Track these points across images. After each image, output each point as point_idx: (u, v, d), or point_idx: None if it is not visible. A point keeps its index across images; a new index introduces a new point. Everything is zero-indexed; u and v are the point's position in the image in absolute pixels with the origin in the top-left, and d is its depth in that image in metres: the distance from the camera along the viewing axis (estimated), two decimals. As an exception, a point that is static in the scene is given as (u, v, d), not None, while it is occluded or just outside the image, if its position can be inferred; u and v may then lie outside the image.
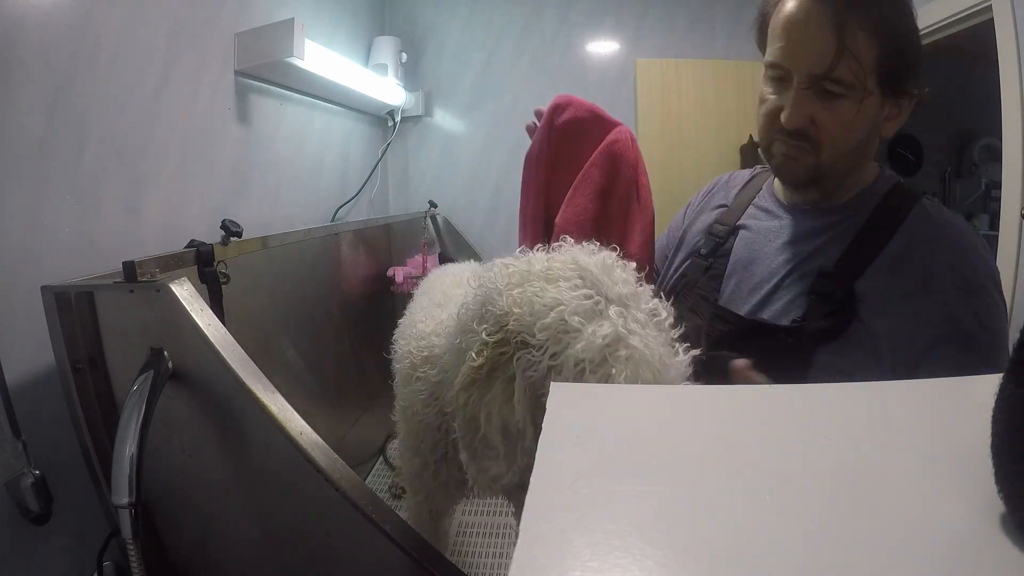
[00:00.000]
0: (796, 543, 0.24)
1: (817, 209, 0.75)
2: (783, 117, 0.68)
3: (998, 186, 1.64)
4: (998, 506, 0.25)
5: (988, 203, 3.32)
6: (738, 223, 0.82)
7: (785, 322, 0.70)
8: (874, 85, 0.65)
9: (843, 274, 0.68)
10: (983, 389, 0.27)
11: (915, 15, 0.66)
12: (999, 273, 0.69)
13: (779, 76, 0.69)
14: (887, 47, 0.63)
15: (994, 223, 2.54)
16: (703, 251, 0.83)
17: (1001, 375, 0.26)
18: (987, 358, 0.63)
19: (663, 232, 0.97)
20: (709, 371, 0.59)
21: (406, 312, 1.06)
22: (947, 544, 0.24)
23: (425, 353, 0.81)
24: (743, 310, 0.75)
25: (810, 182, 0.73)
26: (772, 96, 0.71)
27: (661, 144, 2.32)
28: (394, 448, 1.64)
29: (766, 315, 0.72)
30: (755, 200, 0.84)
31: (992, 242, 1.67)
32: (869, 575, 0.22)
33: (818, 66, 0.64)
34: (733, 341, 0.70)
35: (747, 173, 0.91)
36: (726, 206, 0.87)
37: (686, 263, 0.86)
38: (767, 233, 0.78)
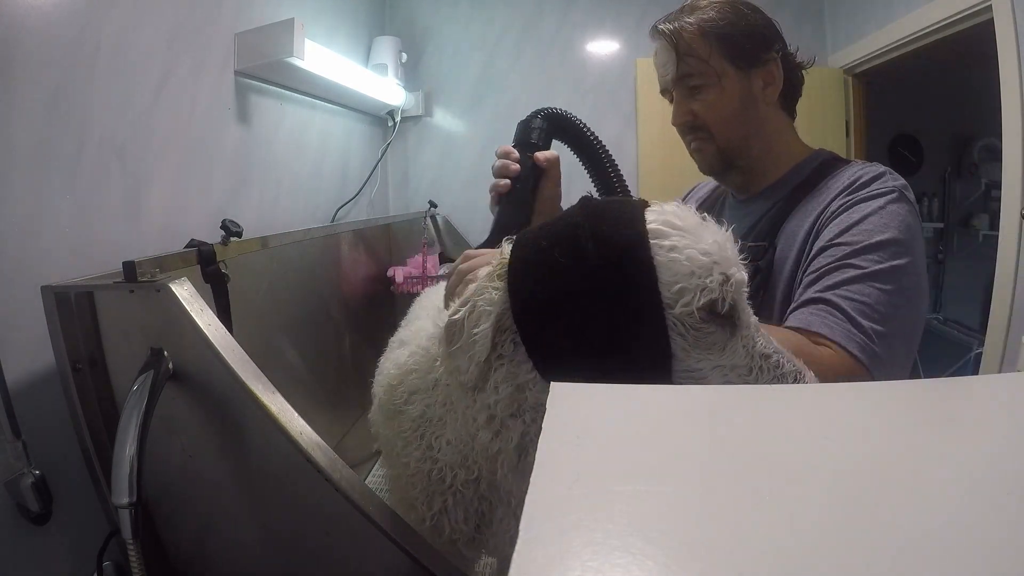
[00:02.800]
0: (797, 543, 0.24)
1: (756, 195, 0.85)
2: (672, 120, 0.84)
3: (998, 186, 1.64)
4: (1003, 504, 0.25)
5: (988, 203, 3.33)
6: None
7: None
8: (725, 66, 0.78)
9: (769, 230, 0.78)
10: (984, 389, 0.27)
11: (746, 5, 0.79)
12: (915, 226, 0.70)
13: (669, 99, 0.85)
14: (715, 35, 0.77)
15: (994, 223, 2.54)
16: None
17: (1000, 375, 0.26)
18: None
19: None
20: None
21: (394, 339, 0.93)
22: (949, 544, 0.24)
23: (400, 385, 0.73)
24: None
25: (723, 165, 0.84)
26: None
27: (661, 144, 2.32)
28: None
29: None
30: (716, 203, 0.95)
31: (992, 242, 1.67)
32: (871, 575, 0.22)
33: (675, 74, 0.80)
34: None
35: (712, 184, 0.99)
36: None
37: None
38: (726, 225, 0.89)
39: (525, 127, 0.81)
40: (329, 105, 1.92)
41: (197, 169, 1.26)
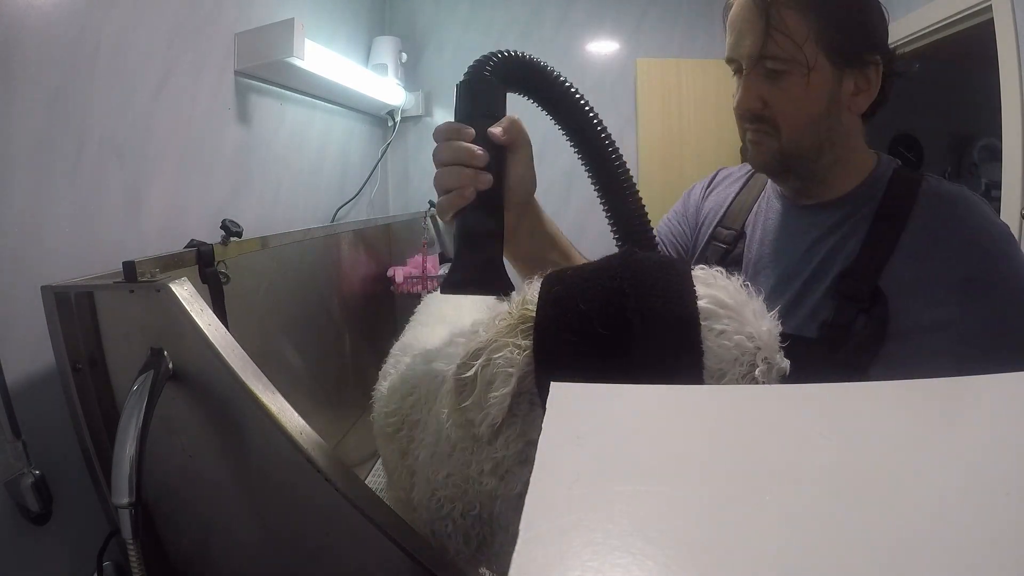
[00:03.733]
0: (798, 543, 0.24)
1: (821, 205, 0.74)
2: (734, 103, 0.71)
3: (998, 186, 1.64)
4: (1003, 505, 0.25)
5: (988, 203, 3.33)
6: (744, 227, 0.81)
7: (813, 331, 0.67)
8: (818, 57, 0.65)
9: (866, 270, 0.66)
10: (984, 389, 0.27)
11: None
12: (1008, 227, 0.69)
13: (736, 70, 0.72)
14: (822, 18, 0.64)
15: (994, 223, 2.54)
16: (711, 261, 0.79)
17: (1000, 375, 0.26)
18: None
19: (663, 219, 0.94)
20: None
21: (397, 345, 0.91)
22: (949, 544, 0.24)
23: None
24: None
25: (782, 167, 0.73)
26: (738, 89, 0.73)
27: (661, 144, 2.33)
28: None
29: (790, 327, 0.65)
30: (759, 200, 0.82)
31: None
32: (871, 575, 0.22)
33: (753, 49, 0.66)
34: None
35: (744, 170, 0.89)
36: (728, 208, 0.85)
37: None
38: (775, 236, 0.77)
39: (469, 90, 0.56)
40: (329, 105, 1.92)
41: (197, 169, 1.26)
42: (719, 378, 0.46)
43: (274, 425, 0.67)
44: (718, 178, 0.92)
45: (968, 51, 1.84)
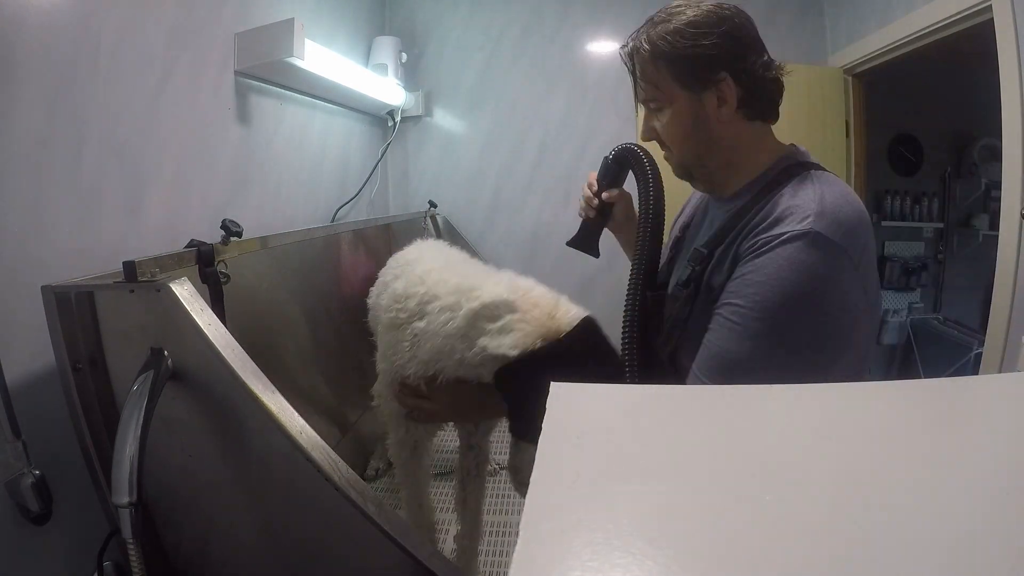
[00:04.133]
0: (797, 543, 0.24)
1: (723, 200, 0.87)
2: (639, 135, 0.90)
3: (998, 186, 1.64)
4: (1002, 503, 0.25)
5: (988, 203, 3.33)
6: (691, 219, 0.99)
7: (676, 290, 0.85)
8: (675, 91, 0.80)
9: (711, 242, 0.81)
10: (984, 389, 0.27)
11: (687, 24, 0.79)
12: (861, 216, 0.73)
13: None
14: (665, 62, 0.79)
15: (994, 223, 2.54)
16: (671, 250, 1.01)
17: (1000, 375, 0.26)
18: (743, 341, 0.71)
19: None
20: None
21: (384, 270, 1.32)
22: (949, 543, 0.24)
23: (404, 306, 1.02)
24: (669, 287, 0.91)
25: (685, 174, 0.88)
26: None
27: (661, 144, 2.33)
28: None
29: (670, 288, 0.89)
30: (706, 206, 0.97)
31: (992, 242, 1.67)
32: (871, 575, 0.22)
33: (637, 99, 0.87)
34: (660, 308, 0.88)
35: None
36: (690, 212, 1.02)
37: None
38: (694, 228, 0.96)
39: (603, 163, 0.98)
40: (329, 105, 1.92)
41: (197, 169, 1.26)
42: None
43: (274, 425, 0.67)
44: (688, 202, 1.07)
45: (968, 51, 1.84)
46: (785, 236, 0.69)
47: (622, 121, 2.43)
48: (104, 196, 1.01)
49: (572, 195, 2.54)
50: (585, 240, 1.02)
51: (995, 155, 2.56)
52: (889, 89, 2.90)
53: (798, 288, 0.68)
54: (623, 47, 0.87)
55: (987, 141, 3.20)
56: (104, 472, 0.80)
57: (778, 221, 0.72)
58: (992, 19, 1.57)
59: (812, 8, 2.44)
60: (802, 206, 0.71)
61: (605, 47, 2.47)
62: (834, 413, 0.38)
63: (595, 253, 1.02)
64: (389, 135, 2.39)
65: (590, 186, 1.00)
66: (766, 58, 0.81)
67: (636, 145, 0.93)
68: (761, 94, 0.81)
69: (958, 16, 1.70)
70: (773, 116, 0.84)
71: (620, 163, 0.96)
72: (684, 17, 0.79)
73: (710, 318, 0.76)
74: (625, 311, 0.85)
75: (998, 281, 1.59)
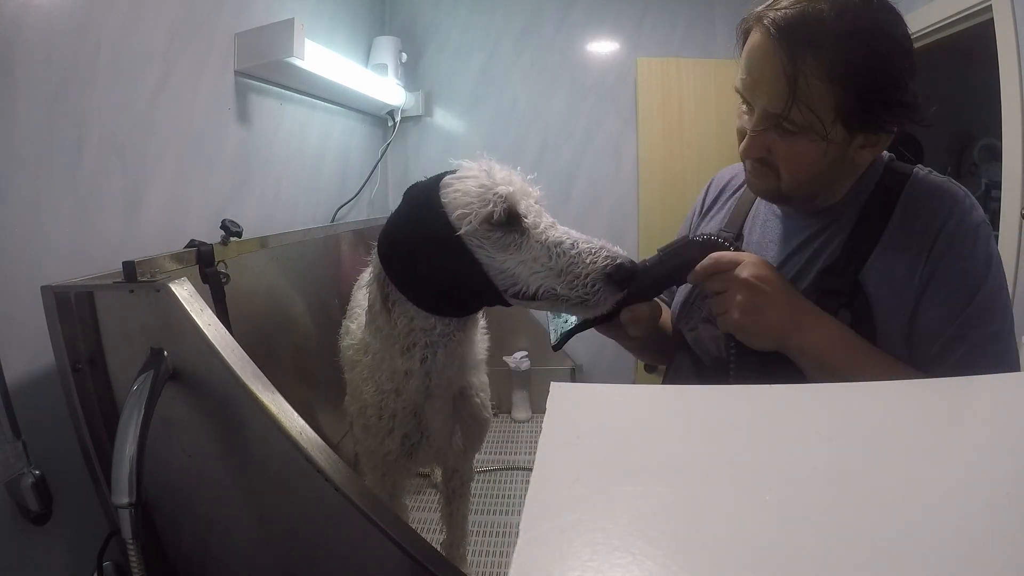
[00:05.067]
0: (797, 543, 0.24)
1: (812, 209, 0.76)
2: (740, 146, 0.71)
3: (998, 186, 1.64)
4: (1002, 503, 0.25)
5: (988, 203, 3.33)
6: (741, 230, 0.84)
7: None
8: (837, 127, 0.64)
9: (846, 266, 0.69)
10: (983, 389, 0.27)
11: (898, 47, 0.62)
12: (989, 225, 0.70)
13: (744, 100, 0.71)
14: (848, 92, 0.61)
15: (994, 223, 2.54)
16: None
17: (1001, 375, 0.26)
18: (1002, 328, 0.66)
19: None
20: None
21: (348, 308, 1.27)
22: (949, 542, 0.24)
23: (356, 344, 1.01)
24: None
25: (778, 200, 0.76)
26: (744, 115, 0.72)
27: (662, 143, 2.32)
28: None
29: None
30: (755, 204, 0.85)
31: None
32: (871, 575, 0.22)
33: (772, 107, 0.65)
34: (753, 352, 0.70)
35: (740, 174, 0.88)
36: (729, 210, 0.88)
37: None
38: (769, 238, 0.80)
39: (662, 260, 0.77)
40: (329, 105, 1.92)
41: (197, 169, 1.26)
42: (459, 218, 0.71)
43: (274, 425, 0.67)
44: (709, 197, 0.93)
45: (968, 51, 1.84)
46: (972, 239, 0.66)
47: (623, 121, 2.43)
48: (104, 196, 1.01)
49: (572, 195, 2.54)
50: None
51: (995, 155, 2.56)
52: (889, 89, 2.89)
53: (999, 275, 0.67)
54: (774, 28, 0.62)
55: (987, 141, 3.20)
56: (104, 472, 0.81)
57: (957, 238, 0.66)
58: (992, 19, 1.57)
59: (812, 8, 2.44)
60: (959, 206, 0.67)
61: (605, 47, 2.47)
62: (834, 413, 0.38)
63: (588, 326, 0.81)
64: (389, 135, 2.39)
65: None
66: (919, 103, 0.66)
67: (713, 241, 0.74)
68: (903, 133, 0.69)
69: (958, 16, 1.70)
70: None
71: (675, 268, 0.74)
72: (887, 34, 0.61)
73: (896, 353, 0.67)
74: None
75: (998, 281, 1.59)
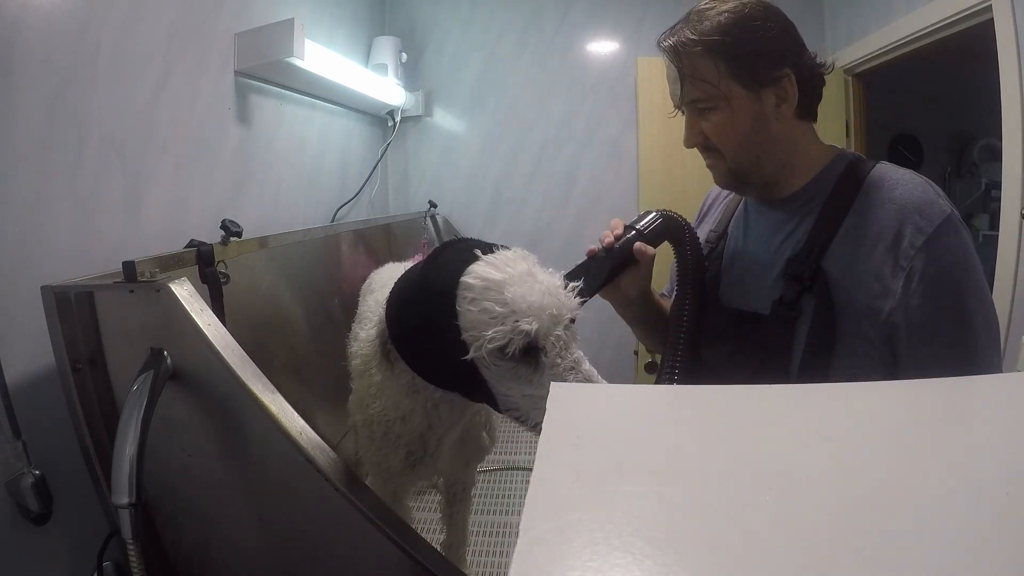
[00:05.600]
0: (797, 543, 0.24)
1: (780, 202, 0.82)
2: (683, 141, 0.82)
3: (998, 186, 1.64)
4: (1002, 503, 0.25)
5: (988, 203, 3.33)
6: (726, 229, 0.92)
7: (767, 308, 0.77)
8: (733, 88, 0.74)
9: (809, 254, 0.75)
10: (984, 389, 0.27)
11: (751, 9, 0.74)
12: (956, 210, 0.72)
13: (679, 108, 0.82)
14: (724, 57, 0.73)
15: (994, 223, 2.54)
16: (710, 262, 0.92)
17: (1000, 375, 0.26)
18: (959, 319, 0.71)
19: None
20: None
21: (357, 312, 1.20)
22: (949, 542, 0.24)
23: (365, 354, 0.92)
24: (734, 304, 0.83)
25: (737, 182, 0.83)
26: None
27: (661, 144, 2.32)
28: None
29: (751, 306, 0.81)
30: (740, 205, 0.92)
31: (992, 242, 1.67)
32: (871, 575, 0.22)
33: (685, 98, 0.78)
34: (729, 332, 0.81)
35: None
36: (719, 213, 0.96)
37: None
38: (745, 232, 0.88)
39: (645, 214, 0.85)
40: (329, 105, 1.92)
41: (197, 169, 1.26)
42: (471, 339, 0.63)
43: (274, 425, 0.67)
44: (706, 205, 1.02)
45: (968, 51, 1.84)
46: (937, 227, 0.69)
47: (623, 121, 2.44)
48: (104, 196, 1.01)
49: (572, 195, 2.55)
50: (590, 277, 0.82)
51: (995, 155, 2.56)
52: (889, 89, 2.90)
53: (974, 272, 0.72)
54: (663, 43, 0.78)
55: (987, 141, 3.20)
56: (104, 472, 0.80)
57: (924, 234, 0.70)
58: (992, 19, 1.57)
59: (812, 8, 2.44)
60: (930, 204, 0.71)
61: (605, 47, 2.47)
62: (834, 413, 0.38)
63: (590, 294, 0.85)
64: (389, 135, 2.40)
65: (612, 227, 0.86)
66: (815, 54, 0.78)
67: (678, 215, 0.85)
68: (813, 93, 0.78)
69: (958, 16, 1.70)
70: (814, 116, 0.81)
71: (667, 226, 0.83)
72: (735, 11, 0.74)
73: (859, 339, 0.71)
74: (677, 335, 0.79)
75: (998, 281, 1.59)
